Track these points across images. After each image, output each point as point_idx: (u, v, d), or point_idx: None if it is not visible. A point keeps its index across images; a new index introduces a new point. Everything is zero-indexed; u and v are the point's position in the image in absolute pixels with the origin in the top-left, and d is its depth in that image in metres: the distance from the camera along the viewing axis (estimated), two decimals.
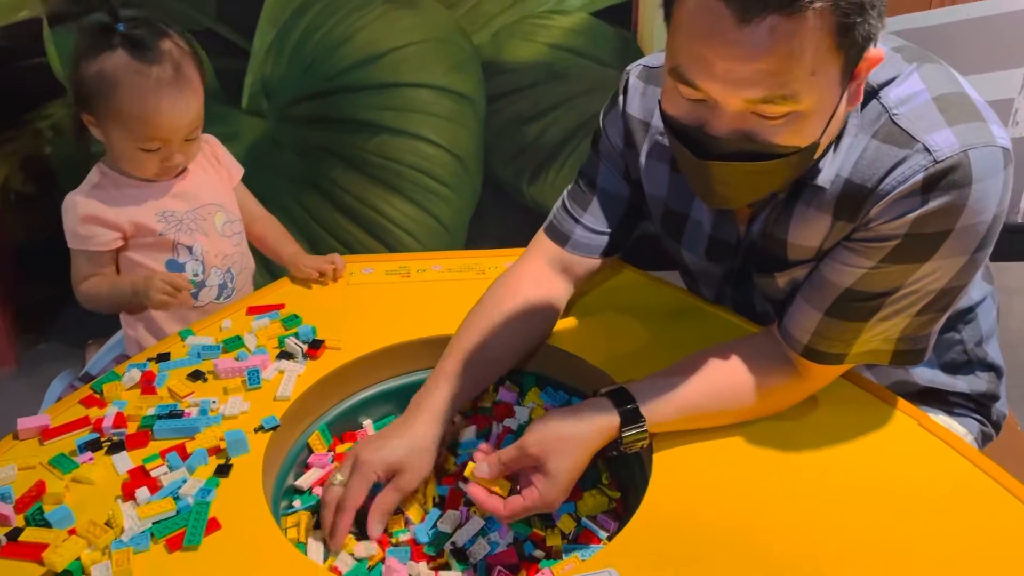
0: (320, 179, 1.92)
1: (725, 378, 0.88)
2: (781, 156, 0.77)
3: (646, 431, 0.84)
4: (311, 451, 1.00)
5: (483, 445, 0.88)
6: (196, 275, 1.21)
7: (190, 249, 1.20)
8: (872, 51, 0.75)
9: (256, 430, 0.93)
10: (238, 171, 1.29)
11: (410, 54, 1.79)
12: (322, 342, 1.06)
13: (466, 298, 1.06)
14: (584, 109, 1.91)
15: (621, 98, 1.05)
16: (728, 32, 0.69)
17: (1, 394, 1.97)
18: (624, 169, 1.07)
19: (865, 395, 0.96)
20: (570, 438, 0.80)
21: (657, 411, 0.84)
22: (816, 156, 0.81)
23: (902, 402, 0.95)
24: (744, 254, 1.00)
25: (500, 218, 1.99)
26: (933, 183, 0.77)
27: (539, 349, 1.06)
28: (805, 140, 0.77)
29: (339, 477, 0.86)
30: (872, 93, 0.82)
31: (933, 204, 0.77)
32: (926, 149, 0.77)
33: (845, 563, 0.76)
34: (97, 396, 0.98)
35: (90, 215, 1.14)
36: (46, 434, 0.91)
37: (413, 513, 0.90)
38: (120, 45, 1.07)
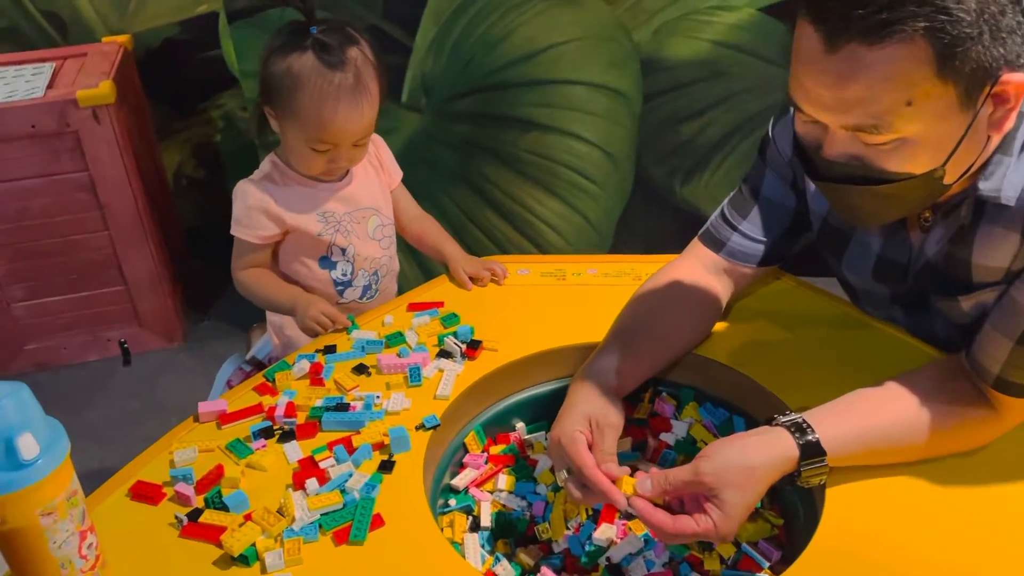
0: (472, 175, 1.94)
1: (912, 410, 0.82)
2: (895, 181, 0.77)
3: (826, 466, 0.79)
4: (467, 451, 1.01)
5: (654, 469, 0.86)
6: (344, 275, 1.25)
7: (343, 250, 1.24)
8: (1014, 76, 0.72)
9: (417, 428, 0.94)
10: (398, 174, 1.32)
11: (568, 51, 1.78)
12: (480, 343, 1.06)
13: (622, 304, 1.04)
14: (744, 108, 1.84)
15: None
16: (818, 59, 0.72)
17: (169, 368, 2.10)
18: (792, 179, 1.03)
19: None
20: (748, 471, 0.77)
21: (839, 445, 0.79)
22: (950, 181, 0.79)
23: None
24: (917, 276, 0.94)
25: (649, 218, 1.95)
26: None
27: (702, 339, 1.04)
28: (921, 167, 0.76)
29: (562, 475, 0.86)
30: None
31: None
32: None
33: None
34: (270, 384, 1.02)
35: (257, 205, 1.19)
36: (224, 419, 0.96)
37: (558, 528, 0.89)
38: (311, 47, 1.11)
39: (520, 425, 1.06)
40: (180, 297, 2.22)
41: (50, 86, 1.89)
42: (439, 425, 0.95)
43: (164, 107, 2.31)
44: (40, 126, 1.84)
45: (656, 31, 1.76)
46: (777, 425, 0.81)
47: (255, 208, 1.19)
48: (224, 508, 0.84)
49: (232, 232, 1.22)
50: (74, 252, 2.00)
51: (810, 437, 0.79)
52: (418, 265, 1.97)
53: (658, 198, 1.95)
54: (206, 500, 0.85)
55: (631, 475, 0.83)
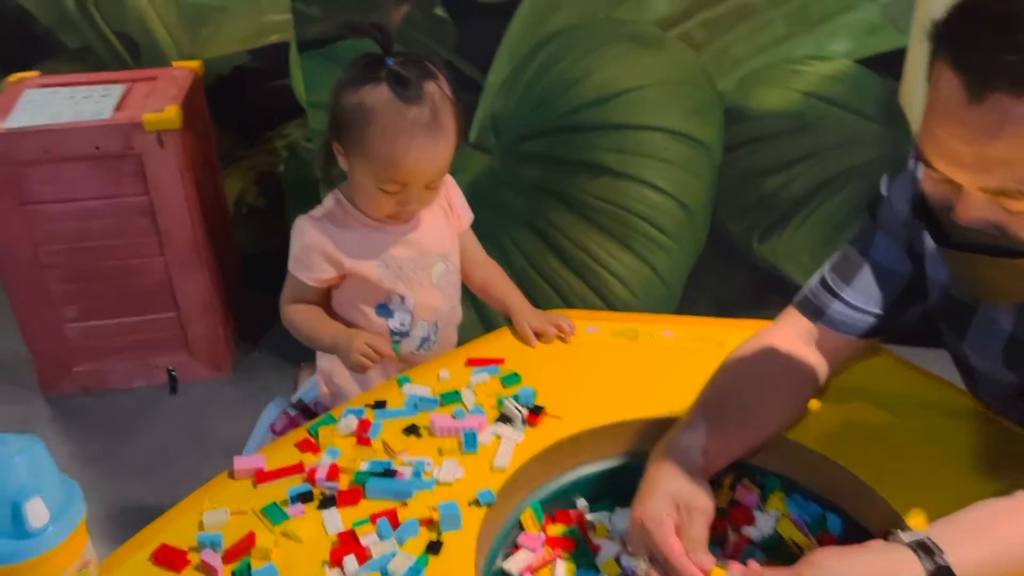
0: (537, 219, 1.86)
1: None
2: None
3: None
4: (522, 529, 0.92)
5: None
6: (403, 325, 1.17)
7: (403, 299, 1.15)
8: None
9: (471, 504, 0.85)
10: (468, 217, 1.24)
11: (648, 95, 1.69)
12: (542, 409, 0.97)
13: (702, 373, 0.94)
14: (833, 165, 1.73)
15: (912, 162, 0.90)
16: (957, 109, 0.65)
17: (215, 400, 2.05)
18: (908, 242, 0.92)
19: None
20: None
21: (973, 572, 0.67)
22: None
23: None
24: None
25: (723, 275, 1.84)
26: None
27: (798, 418, 0.93)
28: None
29: (642, 565, 0.78)
30: None
31: None
32: None
33: None
34: (312, 440, 0.94)
35: (315, 246, 1.12)
36: (260, 477, 0.88)
37: None
38: (385, 79, 1.04)
39: (583, 503, 0.96)
40: (232, 327, 2.17)
41: (118, 108, 1.88)
42: (495, 502, 0.85)
43: (230, 133, 2.29)
44: (104, 147, 1.82)
45: (742, 79, 1.67)
46: (897, 542, 0.69)
47: (313, 249, 1.12)
48: None
49: (288, 267, 1.15)
50: (129, 276, 1.97)
51: (940, 561, 0.67)
52: (475, 311, 1.89)
53: (733, 254, 1.84)
54: (234, 573, 0.76)
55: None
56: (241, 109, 2.26)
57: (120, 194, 1.88)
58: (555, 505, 0.95)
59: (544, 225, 1.85)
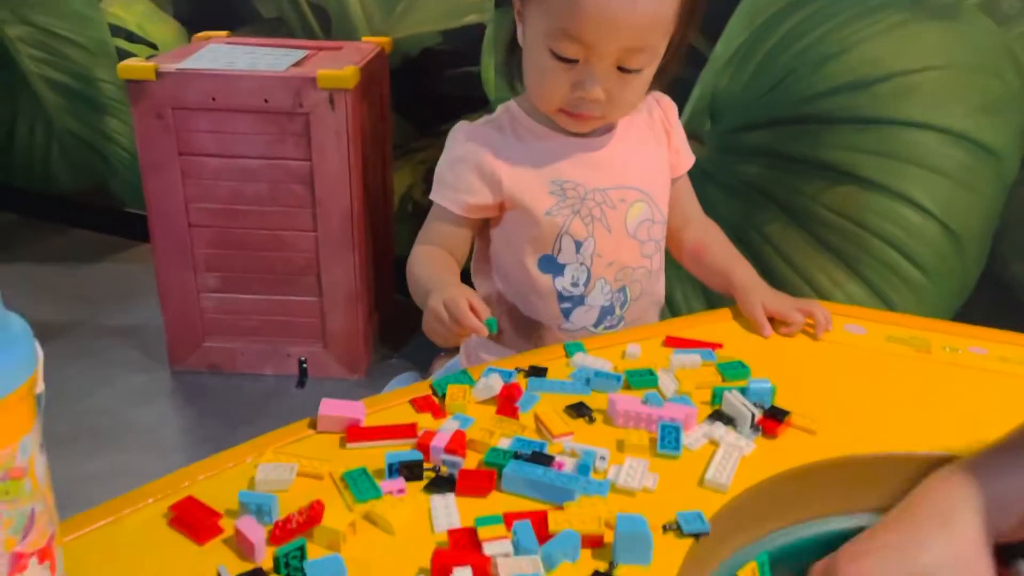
0: (749, 230, 1.51)
1: None
2: None
3: None
4: None
5: None
6: (575, 284, 0.85)
7: (579, 245, 0.84)
8: None
9: (667, 528, 0.52)
10: (689, 158, 0.92)
11: (924, 82, 1.32)
12: (787, 413, 0.63)
13: None
14: None
15: None
16: None
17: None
18: None
19: None
20: None
21: None
22: None
23: None
24: None
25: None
26: None
27: None
28: None
29: None
30: None
31: None
32: None
33: None
34: (436, 400, 0.65)
35: (469, 156, 0.84)
36: (353, 433, 0.59)
37: None
38: None
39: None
40: (374, 326, 1.97)
41: (294, 66, 1.74)
42: (708, 533, 0.52)
43: (407, 123, 2.13)
44: (273, 101, 1.68)
45: None
46: None
47: (464, 161, 0.84)
48: None
49: (431, 196, 0.88)
50: (276, 248, 1.82)
51: None
52: (682, 293, 1.53)
53: (1015, 307, 1.39)
54: (277, 558, 0.47)
55: None
56: (423, 95, 2.10)
57: (282, 156, 1.73)
58: (790, 567, 0.60)
59: (755, 237, 1.49)
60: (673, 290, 1.62)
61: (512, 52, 0.84)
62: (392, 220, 2.15)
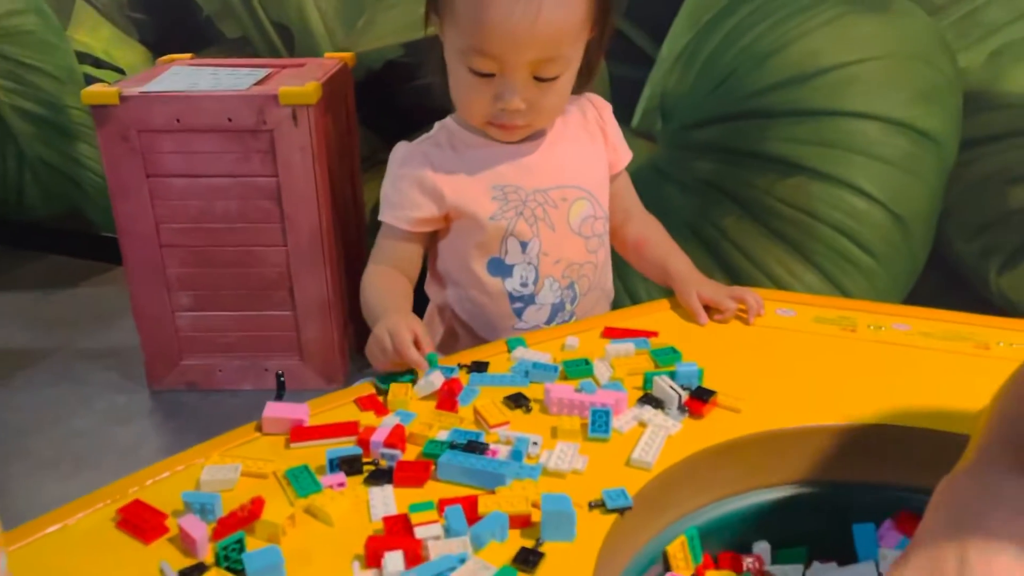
0: (706, 225, 1.54)
1: None
2: None
3: None
4: (667, 567, 0.60)
5: None
6: (524, 284, 0.88)
7: (524, 245, 0.87)
8: None
9: (593, 505, 0.55)
10: (626, 155, 0.95)
11: (862, 73, 1.36)
12: (712, 394, 0.66)
13: (951, 381, 0.67)
14: None
15: None
16: None
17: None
18: None
19: None
20: None
21: None
22: None
23: None
24: None
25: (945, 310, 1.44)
26: None
27: None
28: None
29: None
30: None
31: None
32: None
33: None
34: (379, 399, 0.67)
35: (409, 174, 0.87)
36: (296, 433, 0.62)
37: None
38: None
39: (765, 546, 0.64)
40: (350, 337, 1.98)
41: (257, 84, 1.77)
42: (630, 508, 0.55)
43: (375, 136, 2.15)
44: (237, 120, 1.70)
45: (995, 54, 1.30)
46: None
47: (405, 178, 0.87)
48: (239, 571, 0.49)
49: (380, 217, 0.91)
50: (248, 264, 1.84)
51: None
52: (623, 287, 1.57)
53: (961, 285, 1.44)
54: (218, 551, 0.50)
55: None
56: (389, 108, 2.13)
57: (248, 173, 1.75)
58: (720, 540, 0.63)
59: (712, 231, 1.53)
60: (636, 285, 1.65)
61: (444, 71, 0.87)
62: (364, 230, 2.18)
